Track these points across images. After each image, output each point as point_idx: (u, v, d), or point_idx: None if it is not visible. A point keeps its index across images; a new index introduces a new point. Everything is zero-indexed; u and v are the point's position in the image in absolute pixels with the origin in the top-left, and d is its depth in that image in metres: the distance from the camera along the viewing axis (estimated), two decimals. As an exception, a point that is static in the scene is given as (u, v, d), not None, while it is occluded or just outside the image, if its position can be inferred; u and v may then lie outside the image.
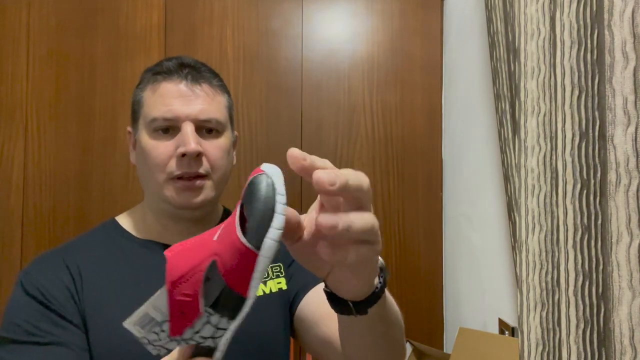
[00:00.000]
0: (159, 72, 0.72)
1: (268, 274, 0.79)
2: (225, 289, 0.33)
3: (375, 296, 0.46)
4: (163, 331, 0.34)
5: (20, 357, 0.63)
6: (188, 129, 0.69)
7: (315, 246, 0.39)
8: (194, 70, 0.72)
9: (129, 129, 0.78)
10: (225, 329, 0.34)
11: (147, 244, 0.75)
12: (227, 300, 0.33)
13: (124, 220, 0.78)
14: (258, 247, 0.31)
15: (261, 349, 0.74)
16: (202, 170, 0.71)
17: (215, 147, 0.72)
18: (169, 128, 0.71)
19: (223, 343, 0.34)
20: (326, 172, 0.34)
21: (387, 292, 0.50)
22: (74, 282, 0.68)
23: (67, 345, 0.64)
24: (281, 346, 0.77)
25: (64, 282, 0.68)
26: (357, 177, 0.37)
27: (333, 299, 0.46)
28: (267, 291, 0.77)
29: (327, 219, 0.34)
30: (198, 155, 0.69)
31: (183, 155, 0.68)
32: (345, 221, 0.35)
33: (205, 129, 0.72)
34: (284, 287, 0.79)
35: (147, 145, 0.71)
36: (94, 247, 0.74)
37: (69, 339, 0.65)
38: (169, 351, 0.35)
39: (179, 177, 0.70)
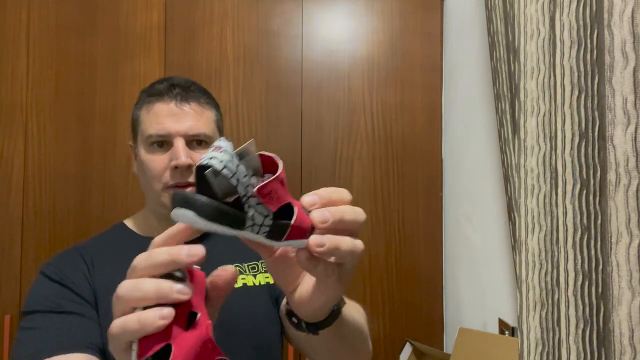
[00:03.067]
0: (152, 93, 0.81)
1: (258, 267, 0.87)
2: (291, 225, 0.40)
3: (327, 322, 0.52)
4: (249, 177, 0.38)
5: (40, 322, 0.70)
6: (179, 143, 0.78)
7: (288, 259, 0.46)
8: (183, 91, 0.81)
9: (131, 143, 0.88)
10: (257, 232, 0.40)
11: (150, 240, 0.82)
12: (281, 229, 0.40)
13: (130, 223, 0.89)
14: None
15: (254, 331, 0.80)
16: (193, 180, 0.79)
17: None
18: (163, 143, 0.80)
19: (248, 233, 0.39)
20: (319, 212, 0.41)
21: (344, 312, 0.56)
22: (88, 269, 0.78)
23: (83, 315, 0.73)
24: (273, 332, 0.83)
25: (80, 269, 0.78)
26: (354, 212, 0.43)
27: (290, 316, 0.52)
28: (257, 283, 0.84)
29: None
30: (189, 167, 0.78)
31: (175, 167, 0.78)
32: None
33: (196, 141, 0.81)
34: (271, 281, 0.85)
35: (145, 159, 0.81)
36: (104, 244, 0.84)
37: (84, 311, 0.73)
38: (229, 185, 0.38)
39: (174, 186, 0.79)
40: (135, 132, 0.84)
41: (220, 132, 0.88)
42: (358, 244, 0.43)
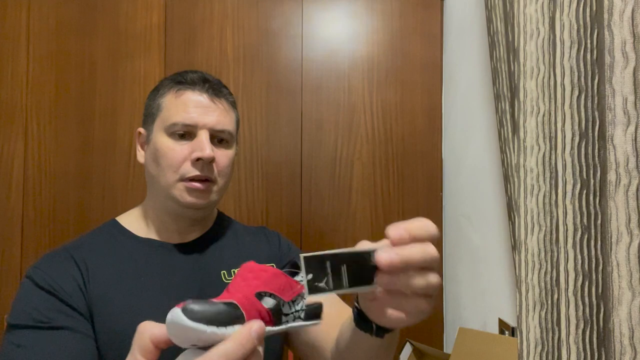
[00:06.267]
0: (182, 82, 0.79)
1: None
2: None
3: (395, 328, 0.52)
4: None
5: (28, 340, 0.66)
6: (204, 136, 0.76)
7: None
8: (215, 86, 0.80)
9: (141, 130, 0.84)
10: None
11: (147, 241, 0.81)
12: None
13: (124, 220, 0.83)
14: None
15: None
16: (212, 175, 0.78)
17: (224, 156, 0.80)
18: (185, 133, 0.77)
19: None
20: (386, 254, 0.41)
21: None
22: (82, 275, 0.73)
23: (73, 330, 0.68)
24: (274, 338, 0.81)
25: (72, 275, 0.72)
26: (422, 252, 0.42)
27: (359, 316, 0.52)
28: None
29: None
30: (211, 162, 0.77)
31: (198, 159, 0.75)
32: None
33: (217, 138, 0.80)
34: None
35: (163, 147, 0.77)
36: (98, 245, 0.79)
37: (75, 325, 0.68)
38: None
39: (192, 179, 0.76)
40: (153, 118, 0.80)
41: (237, 135, 0.88)
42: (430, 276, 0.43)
